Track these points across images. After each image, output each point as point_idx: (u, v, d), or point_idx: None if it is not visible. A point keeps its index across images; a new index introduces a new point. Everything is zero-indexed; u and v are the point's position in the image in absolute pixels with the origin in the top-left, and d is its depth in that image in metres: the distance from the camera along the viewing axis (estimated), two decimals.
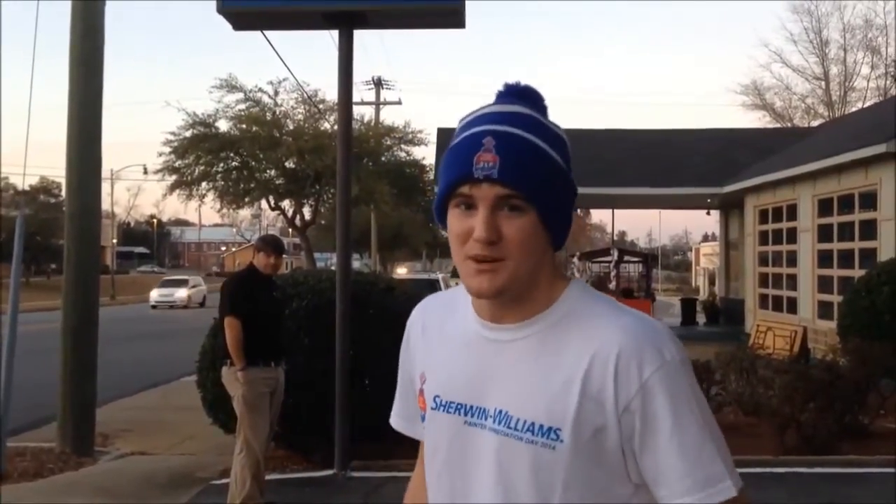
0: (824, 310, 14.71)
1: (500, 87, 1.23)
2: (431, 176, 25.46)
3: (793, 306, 16.35)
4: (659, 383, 1.13)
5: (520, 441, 1.17)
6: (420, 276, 26.44)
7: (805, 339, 12.66)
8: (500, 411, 1.19)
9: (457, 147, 1.19)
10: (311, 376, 6.42)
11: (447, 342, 1.31)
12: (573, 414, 1.14)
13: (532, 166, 1.15)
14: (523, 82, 1.24)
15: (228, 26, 6.63)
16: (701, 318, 25.42)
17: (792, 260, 16.52)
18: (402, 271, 37.29)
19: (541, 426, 1.15)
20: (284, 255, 5.80)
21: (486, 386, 1.22)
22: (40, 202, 50.40)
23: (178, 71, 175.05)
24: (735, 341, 13.05)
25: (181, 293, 39.20)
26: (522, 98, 1.22)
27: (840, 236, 14.63)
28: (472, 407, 1.23)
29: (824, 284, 15.05)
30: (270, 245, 5.66)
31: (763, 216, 18.34)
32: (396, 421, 1.47)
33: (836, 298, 13.53)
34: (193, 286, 41.24)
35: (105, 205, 51.01)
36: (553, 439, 1.15)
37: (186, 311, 35.05)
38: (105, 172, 10.81)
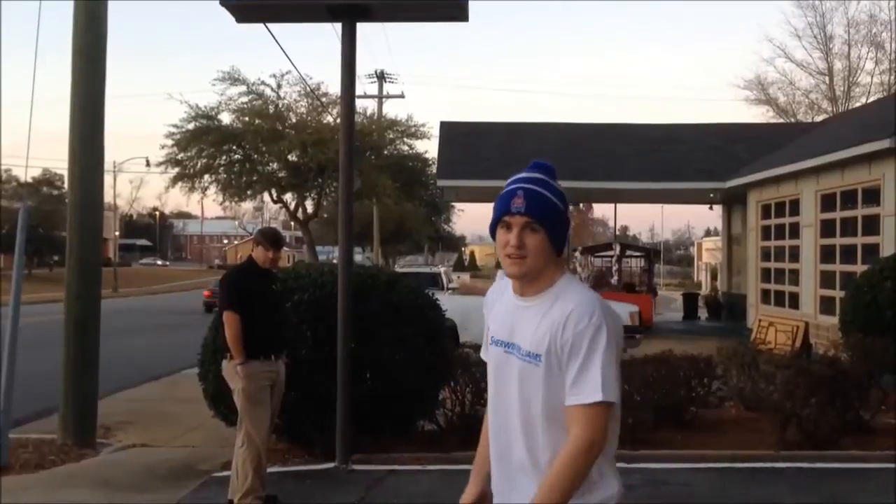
0: (826, 305, 14.70)
1: (530, 163, 2.15)
2: (434, 170, 25.41)
3: (795, 301, 16.34)
4: (584, 332, 1.99)
5: (528, 363, 2.05)
6: (422, 269, 26.34)
7: (807, 334, 12.63)
8: (519, 346, 2.09)
9: (504, 195, 2.08)
10: (313, 369, 6.42)
11: (501, 306, 2.21)
12: (546, 346, 2.02)
13: (543, 207, 2.05)
14: (543, 161, 2.17)
15: (231, 19, 6.62)
16: (703, 313, 25.40)
17: (794, 255, 16.51)
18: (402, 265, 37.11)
19: (532, 352, 2.05)
20: (286, 249, 5.79)
21: (515, 330, 2.12)
22: (43, 194, 50.45)
23: (181, 63, 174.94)
24: (737, 336, 13.04)
25: None
26: (542, 168, 2.12)
27: (843, 232, 14.60)
28: (507, 342, 2.13)
29: (827, 280, 15.04)
30: (269, 239, 5.62)
31: (766, 211, 18.32)
32: (483, 352, 2.32)
33: (838, 294, 13.52)
34: None
35: (107, 197, 51.02)
36: (538, 361, 2.03)
37: (188, 304, 31.49)
38: (108, 164, 10.80)
